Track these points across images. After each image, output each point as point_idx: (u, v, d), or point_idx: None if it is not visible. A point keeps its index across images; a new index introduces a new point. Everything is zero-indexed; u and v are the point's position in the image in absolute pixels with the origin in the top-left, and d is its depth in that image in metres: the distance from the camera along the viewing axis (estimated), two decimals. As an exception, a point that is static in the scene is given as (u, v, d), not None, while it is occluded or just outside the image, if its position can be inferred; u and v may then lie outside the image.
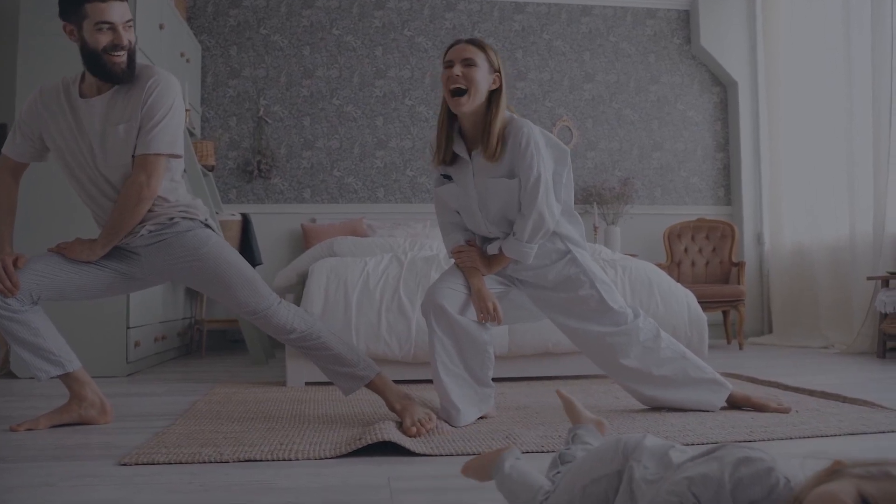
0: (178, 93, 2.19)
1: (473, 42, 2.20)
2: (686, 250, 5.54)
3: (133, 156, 2.15)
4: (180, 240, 2.24)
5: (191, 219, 2.29)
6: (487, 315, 2.22)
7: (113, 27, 2.06)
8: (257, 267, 5.03)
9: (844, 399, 2.50)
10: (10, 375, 3.54)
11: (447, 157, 2.27)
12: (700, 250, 5.52)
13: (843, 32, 4.80)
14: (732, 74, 5.93)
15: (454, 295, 2.24)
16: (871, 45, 4.45)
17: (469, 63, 2.15)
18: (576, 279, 2.31)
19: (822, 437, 1.96)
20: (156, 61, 4.01)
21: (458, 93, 2.16)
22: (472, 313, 2.25)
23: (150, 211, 2.22)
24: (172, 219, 2.25)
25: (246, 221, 4.93)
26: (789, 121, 5.47)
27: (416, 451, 1.82)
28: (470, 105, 2.17)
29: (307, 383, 3.17)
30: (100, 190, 2.22)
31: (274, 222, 5.54)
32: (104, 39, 2.06)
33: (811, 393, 2.65)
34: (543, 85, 5.91)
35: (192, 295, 5.04)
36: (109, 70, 2.09)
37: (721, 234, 5.49)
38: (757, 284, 5.85)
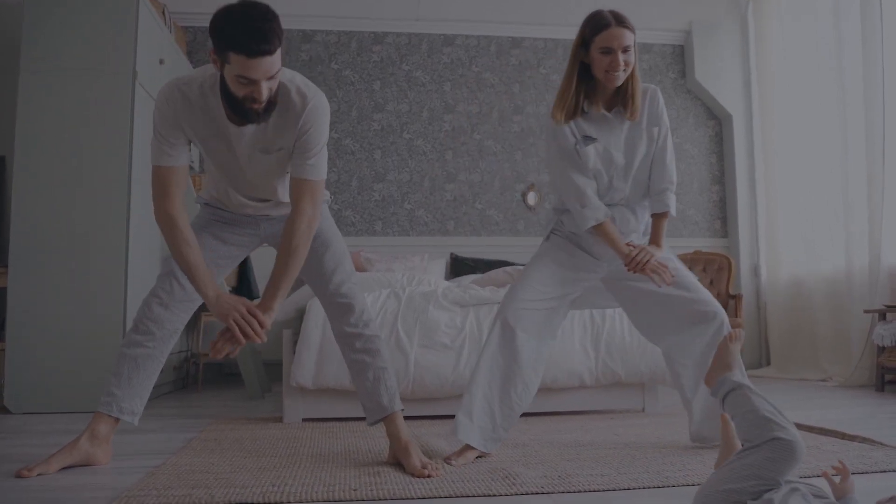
0: (328, 113, 2.12)
1: (629, 27, 2.21)
2: (683, 282, 5.53)
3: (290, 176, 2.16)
4: None
5: None
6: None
7: (253, 81, 1.85)
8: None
9: (844, 436, 2.48)
10: (4, 410, 3.51)
11: (578, 114, 2.30)
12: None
13: (835, 66, 4.86)
14: (727, 108, 5.99)
15: (531, 317, 2.29)
16: (863, 78, 4.50)
17: (627, 49, 2.20)
18: (666, 258, 2.43)
19: (821, 476, 1.94)
20: (155, 96, 4.03)
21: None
22: (546, 333, 2.34)
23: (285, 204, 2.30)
24: None
25: (243, 254, 4.92)
26: (784, 153, 5.50)
27: (415, 495, 1.80)
28: (622, 79, 2.24)
29: (304, 419, 3.14)
30: (246, 185, 2.26)
31: (272, 256, 5.52)
32: (241, 91, 1.88)
33: (810, 429, 2.63)
34: (543, 120, 5.95)
35: (189, 328, 5.02)
36: (245, 112, 1.94)
37: (718, 267, 5.49)
38: (754, 317, 5.84)
